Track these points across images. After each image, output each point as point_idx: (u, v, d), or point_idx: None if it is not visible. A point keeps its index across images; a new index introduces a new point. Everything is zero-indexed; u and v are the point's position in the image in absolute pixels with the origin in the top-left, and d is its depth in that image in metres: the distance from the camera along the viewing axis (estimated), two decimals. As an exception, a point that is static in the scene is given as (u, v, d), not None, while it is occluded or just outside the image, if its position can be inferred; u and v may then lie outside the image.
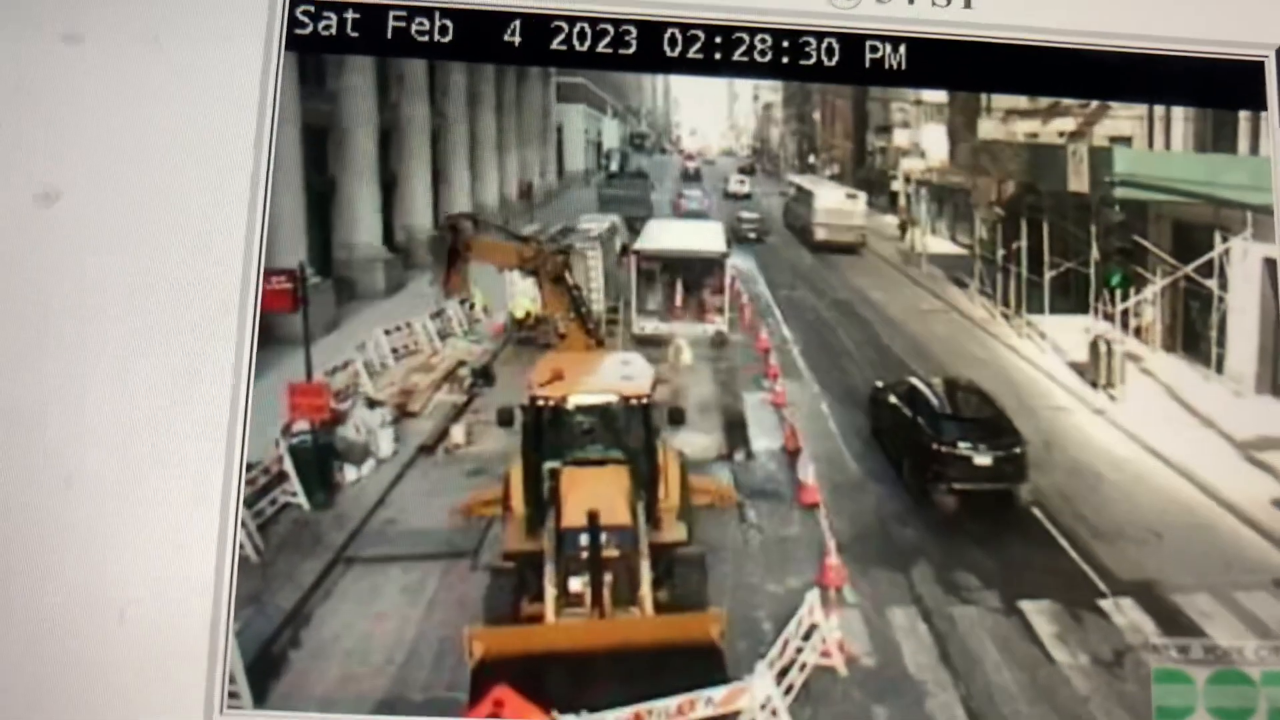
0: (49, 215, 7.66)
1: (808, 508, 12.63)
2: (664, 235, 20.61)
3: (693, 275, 19.22)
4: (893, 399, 12.35)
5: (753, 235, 21.72)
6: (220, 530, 7.29)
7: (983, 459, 11.14)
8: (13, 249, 7.57)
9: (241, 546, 7.49)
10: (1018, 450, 11.09)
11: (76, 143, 7.69)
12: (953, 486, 11.13)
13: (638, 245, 20.10)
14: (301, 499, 12.16)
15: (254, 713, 7.86)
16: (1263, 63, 8.60)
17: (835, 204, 19.76)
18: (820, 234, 19.35)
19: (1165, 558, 11.19)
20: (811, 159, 26.44)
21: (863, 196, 19.92)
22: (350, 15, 8.16)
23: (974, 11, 8.54)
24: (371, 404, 14.20)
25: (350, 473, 13.09)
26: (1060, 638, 10.10)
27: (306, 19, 8.13)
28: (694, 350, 18.46)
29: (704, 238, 20.73)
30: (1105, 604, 10.46)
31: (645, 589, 9.17)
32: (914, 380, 12.20)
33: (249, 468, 7.46)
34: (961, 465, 11.04)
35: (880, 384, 13.07)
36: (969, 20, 8.53)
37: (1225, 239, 16.22)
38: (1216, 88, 8.77)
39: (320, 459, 12.51)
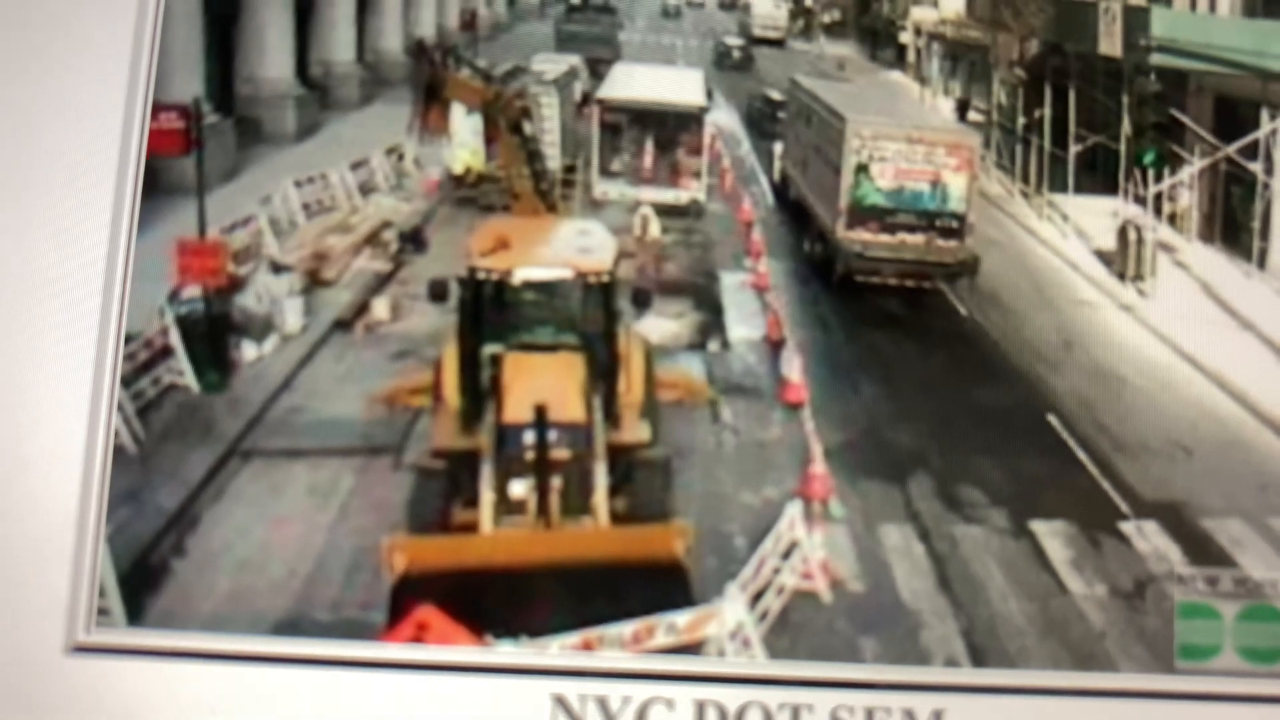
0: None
1: (790, 407, 12.56)
2: (633, 82, 20.26)
3: (666, 132, 19.00)
4: (756, 103, 22.31)
5: (737, 54, 27.04)
6: (90, 413, 6.88)
7: None
8: None
9: (116, 433, 7.11)
10: None
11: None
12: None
13: (601, 93, 19.66)
14: (190, 379, 11.89)
15: (127, 631, 7.29)
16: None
17: (766, 12, 29.53)
18: (756, 32, 29.50)
19: (1195, 477, 11.26)
20: (808, 1, 26.60)
21: (785, 6, 29.33)
22: None
23: None
24: (277, 268, 13.78)
25: (249, 350, 12.75)
26: (1075, 564, 10.11)
27: None
28: (664, 221, 18.30)
29: (681, 87, 20.44)
30: (1126, 527, 10.49)
31: (600, 496, 9.13)
32: (767, 91, 22.49)
33: (127, 339, 7.04)
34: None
35: (750, 97, 22.71)
36: None
37: (1274, 117, 16.14)
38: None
39: (213, 332, 12.20)
